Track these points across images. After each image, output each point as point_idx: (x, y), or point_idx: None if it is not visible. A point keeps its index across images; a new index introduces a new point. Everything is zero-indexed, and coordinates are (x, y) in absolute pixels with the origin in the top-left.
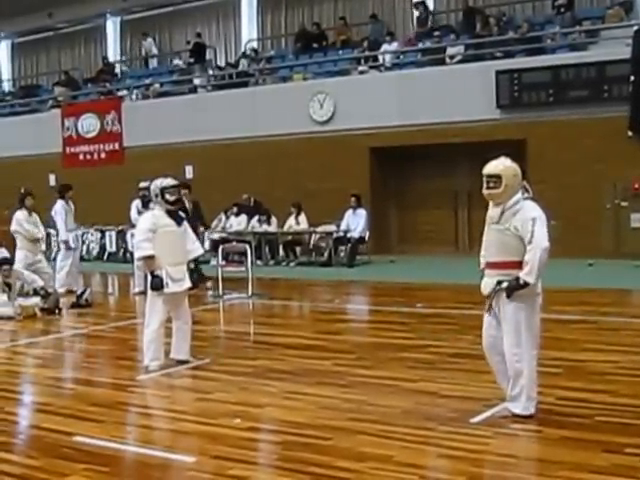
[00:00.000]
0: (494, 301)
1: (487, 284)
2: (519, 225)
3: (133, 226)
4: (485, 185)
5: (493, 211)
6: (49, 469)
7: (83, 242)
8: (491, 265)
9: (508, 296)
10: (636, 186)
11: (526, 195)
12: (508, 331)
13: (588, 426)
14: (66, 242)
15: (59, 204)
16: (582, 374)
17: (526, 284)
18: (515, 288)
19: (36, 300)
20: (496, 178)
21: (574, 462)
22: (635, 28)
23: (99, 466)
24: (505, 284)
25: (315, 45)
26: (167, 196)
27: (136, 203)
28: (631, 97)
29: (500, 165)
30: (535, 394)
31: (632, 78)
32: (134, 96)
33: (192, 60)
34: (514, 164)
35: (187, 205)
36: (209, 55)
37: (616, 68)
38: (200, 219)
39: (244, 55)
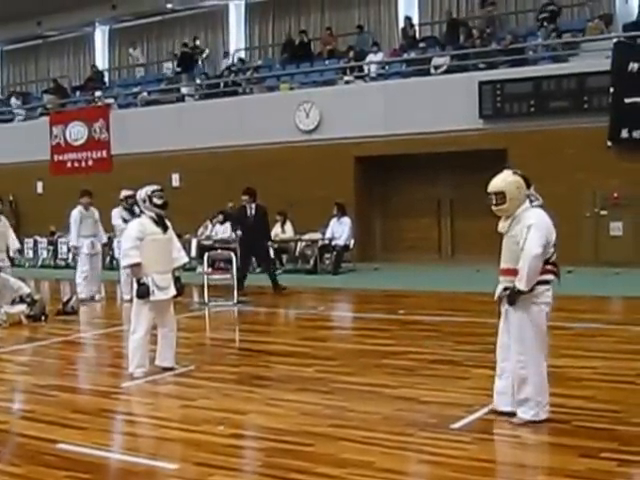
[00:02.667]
0: (502, 307)
1: (498, 290)
2: (519, 232)
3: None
4: (492, 202)
5: (504, 222)
6: (32, 477)
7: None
8: (501, 272)
9: (510, 303)
10: (615, 195)
11: (535, 203)
12: (514, 338)
13: (566, 431)
14: (76, 248)
15: (75, 210)
16: (560, 380)
17: (519, 292)
18: (512, 296)
19: (22, 307)
20: (501, 194)
21: (552, 467)
22: (615, 41)
23: (82, 473)
24: (507, 292)
25: (300, 52)
26: (155, 200)
27: (118, 211)
28: (611, 108)
29: (502, 181)
30: (546, 400)
31: (612, 90)
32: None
33: (180, 69)
34: (516, 177)
35: (249, 212)
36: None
37: (596, 80)
38: (265, 230)
39: (232, 65)
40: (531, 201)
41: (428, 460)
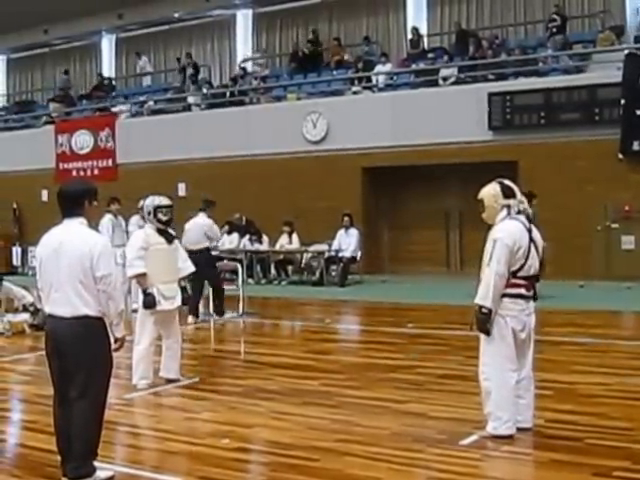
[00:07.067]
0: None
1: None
2: (488, 245)
3: None
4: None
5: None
6: None
7: None
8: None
9: (480, 328)
10: (627, 208)
11: (513, 214)
12: (480, 350)
13: (578, 449)
14: None
15: (106, 218)
16: (572, 396)
17: (480, 308)
18: (477, 316)
19: (25, 316)
20: (481, 202)
21: None
22: (626, 52)
23: None
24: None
25: (308, 62)
26: (160, 215)
27: (137, 219)
28: (622, 120)
29: (484, 190)
30: (507, 416)
31: (623, 101)
32: (129, 112)
33: (190, 78)
34: (495, 186)
35: None
36: (203, 74)
37: (607, 91)
38: None
39: (242, 74)
40: (509, 212)
41: (436, 477)
